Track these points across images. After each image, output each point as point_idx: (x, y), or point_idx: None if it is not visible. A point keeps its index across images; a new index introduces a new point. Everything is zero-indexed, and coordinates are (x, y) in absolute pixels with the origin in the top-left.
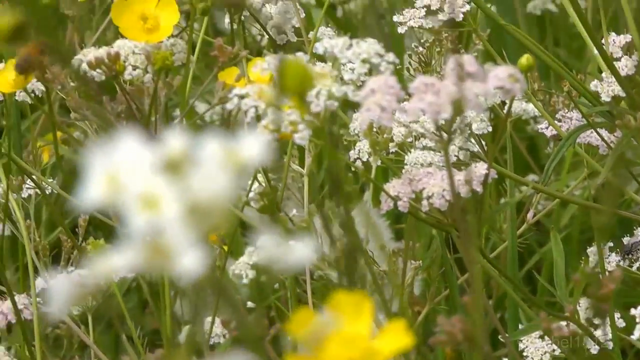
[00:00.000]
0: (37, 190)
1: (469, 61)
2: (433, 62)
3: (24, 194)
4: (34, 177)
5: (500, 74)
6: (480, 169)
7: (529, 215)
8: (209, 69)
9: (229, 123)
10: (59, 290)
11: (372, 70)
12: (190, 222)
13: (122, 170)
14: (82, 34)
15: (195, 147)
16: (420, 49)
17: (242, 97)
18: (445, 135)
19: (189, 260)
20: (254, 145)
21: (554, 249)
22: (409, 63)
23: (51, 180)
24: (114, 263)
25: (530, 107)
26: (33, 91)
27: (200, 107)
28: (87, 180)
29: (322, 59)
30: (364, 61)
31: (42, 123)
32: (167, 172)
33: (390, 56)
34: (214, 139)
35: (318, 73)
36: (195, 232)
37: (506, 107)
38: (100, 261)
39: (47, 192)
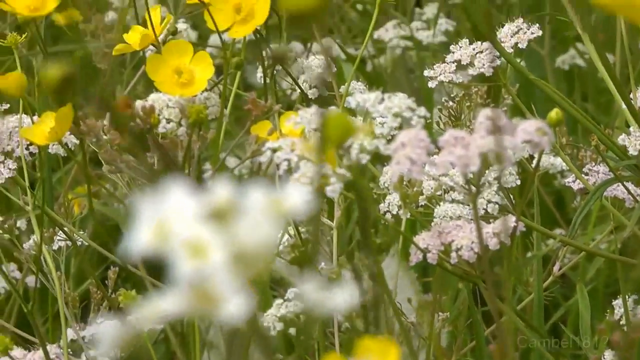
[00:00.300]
0: (68, 242)
1: (498, 115)
2: (463, 116)
3: (55, 246)
4: (65, 229)
5: (529, 127)
6: (508, 221)
7: (555, 268)
8: (239, 123)
9: (259, 176)
10: (107, 334)
11: (402, 125)
12: (235, 268)
13: (169, 218)
14: (113, 88)
15: (240, 196)
16: (450, 103)
17: (275, 150)
18: (473, 188)
19: (233, 306)
20: (296, 196)
21: (580, 301)
22: (439, 117)
23: (82, 232)
24: (161, 307)
25: (558, 161)
26: (66, 144)
27: (230, 161)
28: (135, 227)
29: (353, 113)
30: (395, 115)
31: (73, 175)
32: (213, 221)
33: (422, 110)
34: (257, 189)
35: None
36: (240, 278)
37: (535, 161)
38: (147, 305)
39: (78, 244)
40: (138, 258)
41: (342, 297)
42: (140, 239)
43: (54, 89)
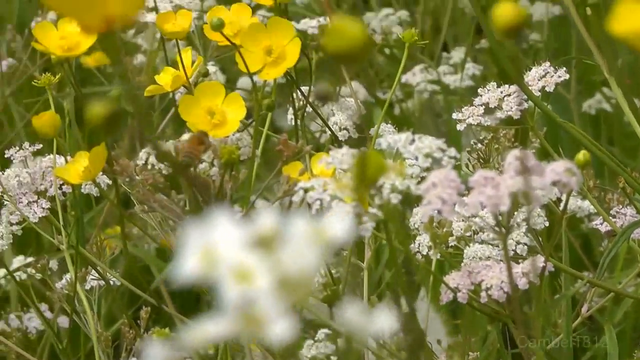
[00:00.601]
0: (100, 282)
1: (527, 156)
2: (491, 159)
3: (87, 286)
4: (98, 268)
5: (558, 168)
6: (537, 261)
7: (584, 309)
8: (268, 166)
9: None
10: (156, 357)
11: (431, 167)
12: (279, 293)
13: (216, 245)
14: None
15: (284, 225)
16: (479, 145)
17: (307, 190)
18: (503, 228)
19: (278, 329)
20: (338, 225)
21: (608, 342)
22: (468, 159)
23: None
24: (209, 331)
25: (586, 204)
26: (99, 184)
27: (259, 204)
28: (183, 255)
29: (383, 154)
30: (426, 155)
31: (104, 215)
32: (259, 248)
33: (452, 151)
34: (301, 219)
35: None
36: (284, 302)
37: (563, 203)
38: (195, 329)
39: (111, 284)
40: (185, 284)
41: (386, 318)
42: (188, 266)
43: (98, 125)
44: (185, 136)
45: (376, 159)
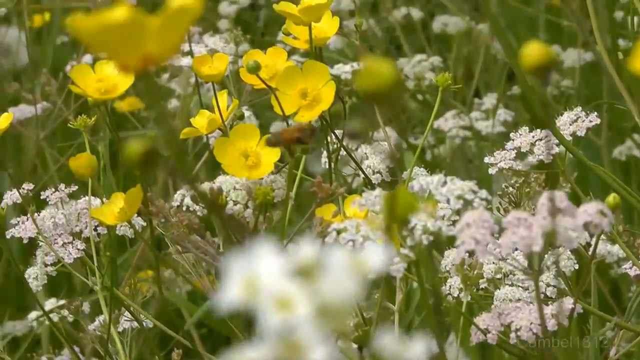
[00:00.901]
0: (133, 323)
1: (559, 197)
2: (522, 203)
3: (120, 328)
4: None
5: (590, 209)
6: (566, 303)
7: (611, 352)
8: (300, 210)
9: None
10: None
11: (463, 209)
12: (318, 321)
13: (258, 275)
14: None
15: (324, 256)
16: (510, 189)
17: (340, 231)
18: (535, 269)
19: (317, 355)
20: (376, 256)
21: None
22: (499, 203)
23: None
24: (250, 357)
25: (615, 248)
26: (134, 225)
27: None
28: (226, 284)
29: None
30: (458, 197)
31: (138, 257)
32: (299, 277)
33: (484, 193)
34: (340, 249)
35: (422, 204)
36: (323, 330)
37: (592, 246)
38: (237, 355)
39: (144, 325)
40: (228, 312)
41: (421, 346)
42: (231, 294)
43: (135, 163)
44: (220, 178)
45: (406, 197)
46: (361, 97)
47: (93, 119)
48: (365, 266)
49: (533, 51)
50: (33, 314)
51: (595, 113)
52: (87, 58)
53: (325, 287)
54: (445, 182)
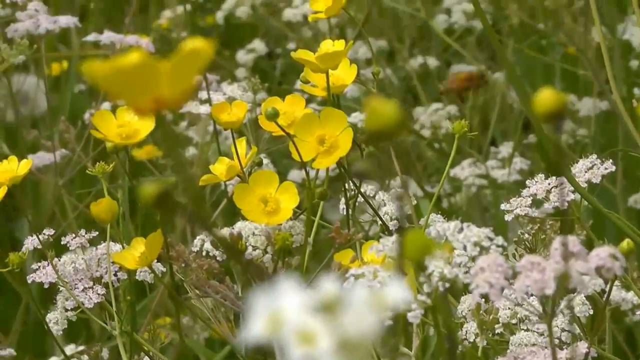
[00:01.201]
0: None
1: (572, 242)
2: (537, 249)
3: None
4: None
5: (602, 253)
6: (581, 348)
7: None
8: (316, 258)
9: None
10: None
11: (478, 257)
12: (341, 355)
13: (282, 310)
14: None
15: (345, 292)
16: (526, 236)
17: (357, 277)
18: (548, 313)
19: None
20: (396, 292)
21: None
22: (515, 249)
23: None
24: None
25: (629, 295)
26: (154, 270)
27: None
28: (250, 319)
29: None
30: (475, 244)
31: (157, 303)
32: (322, 312)
33: (500, 239)
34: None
35: (437, 246)
36: None
37: (607, 292)
38: None
39: None
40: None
41: None
42: (255, 328)
43: (151, 204)
44: (239, 224)
45: (421, 238)
46: (367, 137)
47: (111, 165)
48: (385, 302)
49: (545, 98)
50: None
51: (611, 161)
52: (106, 105)
53: (346, 322)
54: (461, 229)
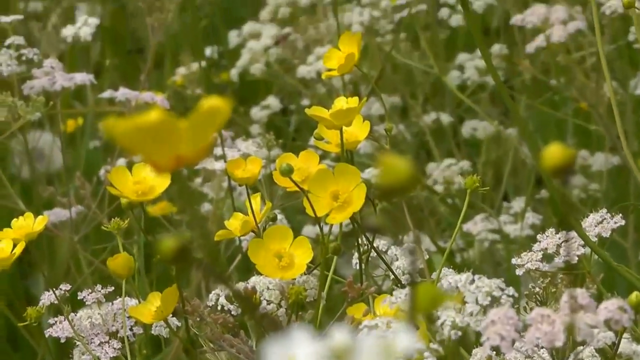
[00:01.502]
0: None
1: (581, 294)
2: (548, 303)
3: None
4: None
5: (610, 306)
6: None
7: None
8: (329, 313)
9: None
10: None
11: (489, 308)
12: None
13: (295, 358)
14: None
15: (356, 341)
16: (537, 289)
17: (371, 328)
18: None
19: None
20: (405, 340)
21: None
22: (526, 303)
23: None
24: None
25: None
26: (169, 324)
27: None
28: None
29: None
30: (487, 294)
31: (172, 356)
32: None
33: (511, 290)
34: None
35: (449, 297)
36: None
37: (616, 345)
38: None
39: None
40: None
41: None
42: None
43: (169, 259)
44: (254, 279)
45: (433, 290)
46: (380, 193)
47: (126, 222)
48: (395, 350)
49: (554, 152)
50: None
51: (620, 215)
52: (121, 161)
53: None
54: (473, 280)
